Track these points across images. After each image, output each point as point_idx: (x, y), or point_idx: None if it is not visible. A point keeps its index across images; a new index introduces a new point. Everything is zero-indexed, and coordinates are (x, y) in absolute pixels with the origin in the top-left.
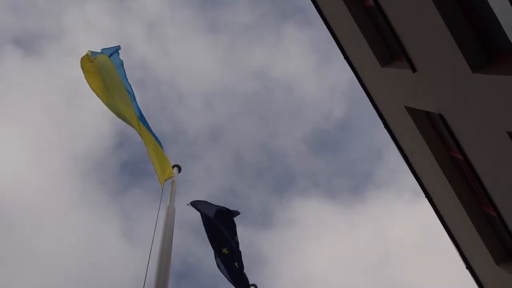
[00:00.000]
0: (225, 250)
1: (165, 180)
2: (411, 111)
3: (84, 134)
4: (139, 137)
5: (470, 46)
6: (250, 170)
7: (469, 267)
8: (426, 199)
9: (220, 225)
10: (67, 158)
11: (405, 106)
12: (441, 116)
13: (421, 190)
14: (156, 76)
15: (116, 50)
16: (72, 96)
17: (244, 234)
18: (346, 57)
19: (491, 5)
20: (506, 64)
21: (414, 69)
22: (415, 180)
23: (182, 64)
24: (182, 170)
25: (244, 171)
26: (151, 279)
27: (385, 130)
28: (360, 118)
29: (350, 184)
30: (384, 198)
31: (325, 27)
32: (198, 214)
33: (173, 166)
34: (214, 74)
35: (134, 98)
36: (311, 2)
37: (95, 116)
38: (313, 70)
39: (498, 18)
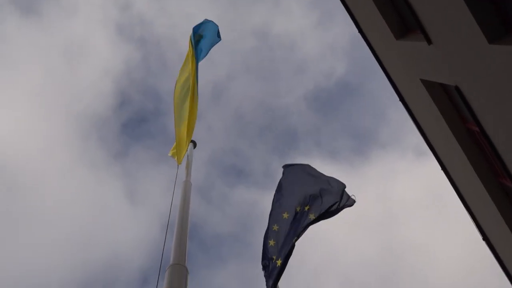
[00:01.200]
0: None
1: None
2: (427, 83)
3: (85, 94)
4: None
5: (486, 17)
6: (251, 130)
7: (485, 238)
8: (442, 171)
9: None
10: (68, 118)
11: (420, 79)
12: (457, 88)
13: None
14: (156, 34)
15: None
16: (72, 56)
17: (247, 194)
18: (361, 31)
19: None
20: None
21: (429, 41)
22: (432, 153)
23: (182, 22)
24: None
25: (245, 131)
26: (168, 253)
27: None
28: (363, 76)
29: (353, 143)
30: (388, 158)
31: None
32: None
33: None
34: None
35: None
36: None
37: (95, 76)
38: (315, 27)
39: None
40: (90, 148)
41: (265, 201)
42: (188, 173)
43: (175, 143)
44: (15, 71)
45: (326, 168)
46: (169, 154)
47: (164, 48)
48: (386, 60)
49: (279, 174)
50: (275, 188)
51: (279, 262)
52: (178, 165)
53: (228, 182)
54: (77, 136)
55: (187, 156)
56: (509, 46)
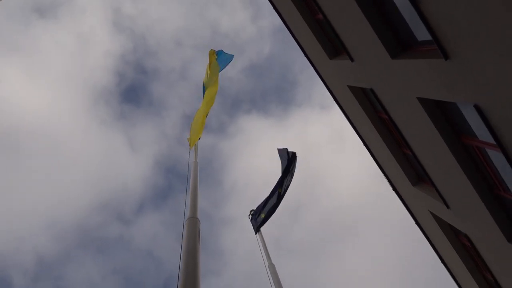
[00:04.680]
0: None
1: (194, 144)
2: (352, 88)
3: (94, 73)
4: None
5: (388, 41)
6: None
7: (395, 189)
8: (365, 148)
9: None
10: (84, 90)
11: (347, 85)
12: (372, 90)
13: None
14: (140, 27)
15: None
16: (82, 46)
17: (207, 142)
18: (305, 54)
19: (401, 12)
20: (415, 52)
21: (352, 59)
22: (358, 137)
23: (160, 19)
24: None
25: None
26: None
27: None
28: (284, 55)
29: (279, 104)
30: (303, 111)
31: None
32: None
33: None
34: (180, 30)
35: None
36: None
37: (100, 59)
38: (249, 22)
39: (406, 21)
40: (99, 111)
41: (219, 145)
42: (196, 156)
43: (191, 133)
44: (45, 59)
45: (261, 121)
46: (187, 139)
47: (148, 38)
48: (323, 73)
49: (229, 128)
50: (226, 138)
51: (263, 215)
52: (190, 149)
53: None
54: (90, 102)
55: (196, 144)
56: (404, 60)
